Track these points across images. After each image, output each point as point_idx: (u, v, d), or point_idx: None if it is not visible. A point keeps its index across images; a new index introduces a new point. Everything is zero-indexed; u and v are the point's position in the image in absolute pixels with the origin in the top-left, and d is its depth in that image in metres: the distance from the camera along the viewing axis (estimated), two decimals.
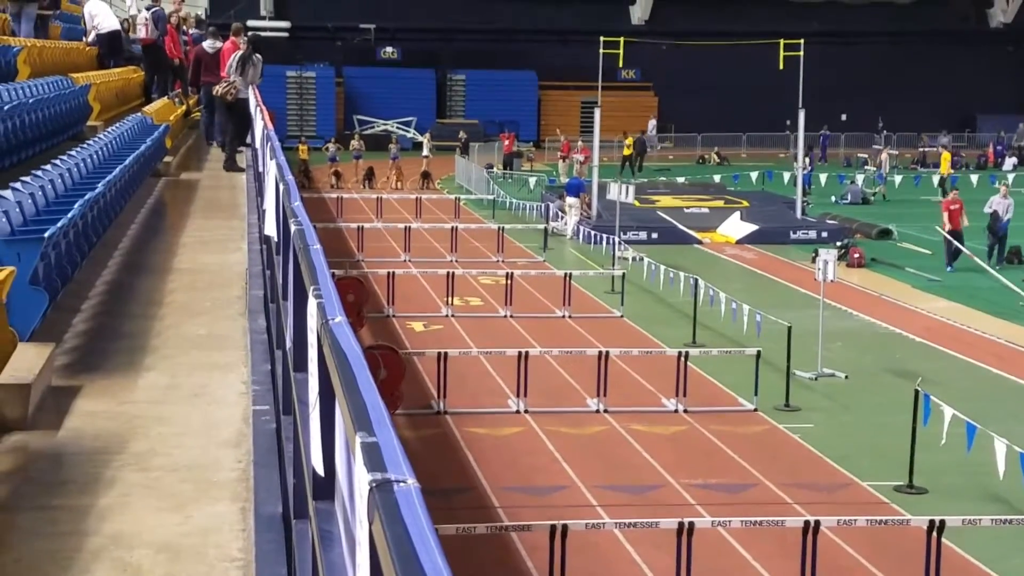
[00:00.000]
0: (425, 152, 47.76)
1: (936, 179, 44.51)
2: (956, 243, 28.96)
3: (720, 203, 37.15)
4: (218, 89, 18.97)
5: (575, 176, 37.79)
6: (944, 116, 65.22)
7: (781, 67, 37.35)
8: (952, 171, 45.15)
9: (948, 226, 29.25)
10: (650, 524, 11.41)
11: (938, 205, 42.52)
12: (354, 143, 48.13)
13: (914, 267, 29.31)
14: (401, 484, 2.01)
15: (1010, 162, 56.03)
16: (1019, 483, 12.53)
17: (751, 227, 34.16)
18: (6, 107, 12.42)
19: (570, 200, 34.60)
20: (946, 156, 46.35)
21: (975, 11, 71.73)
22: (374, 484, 2.01)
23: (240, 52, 18.96)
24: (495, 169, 47.55)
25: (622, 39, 37.85)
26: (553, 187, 41.41)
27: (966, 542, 12.15)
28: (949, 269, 28.86)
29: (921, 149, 59.04)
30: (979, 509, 12.99)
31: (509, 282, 23.54)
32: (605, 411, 16.79)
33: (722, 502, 13.43)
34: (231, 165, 18.50)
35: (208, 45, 20.96)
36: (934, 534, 10.77)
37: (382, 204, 36.31)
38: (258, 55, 19.01)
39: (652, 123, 63.79)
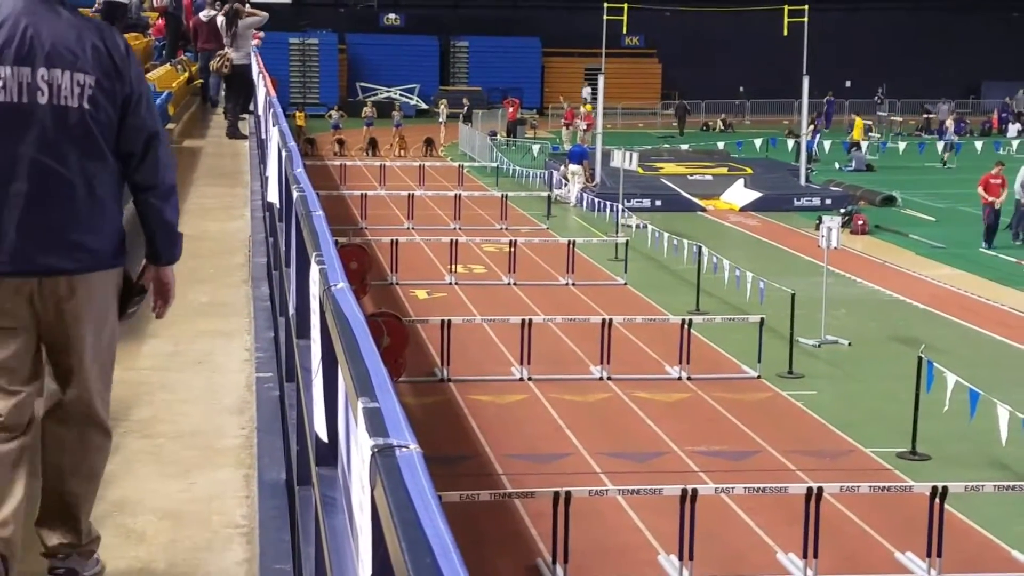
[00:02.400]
0: (442, 119, 48.53)
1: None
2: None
3: (724, 170, 37.05)
4: (214, 64, 19.03)
5: (578, 144, 37.69)
6: (949, 82, 64.94)
7: (785, 33, 37.19)
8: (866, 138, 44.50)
9: (987, 200, 27.90)
10: (653, 491, 11.44)
11: (943, 171, 42.61)
12: (366, 110, 48.12)
13: (918, 234, 29.26)
14: (403, 449, 2.00)
15: (1014, 128, 55.79)
16: (1022, 450, 12.55)
17: (755, 194, 34.08)
18: None
19: (573, 167, 34.53)
20: (859, 123, 45.72)
21: None
22: (376, 449, 2.01)
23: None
24: (499, 136, 47.49)
25: (626, 5, 37.65)
26: (557, 154, 41.32)
27: (969, 508, 12.17)
28: (985, 247, 27.52)
29: (925, 116, 58.83)
30: (982, 476, 13.00)
31: (512, 250, 23.53)
32: (608, 378, 16.80)
33: (725, 469, 13.46)
34: (234, 132, 18.47)
35: (204, 15, 20.94)
36: (937, 500, 10.79)
37: (385, 171, 36.26)
38: (220, 17, 18.94)
39: (587, 91, 62.27)
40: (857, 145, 43.31)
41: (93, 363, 4.04)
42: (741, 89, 63.74)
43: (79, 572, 4.05)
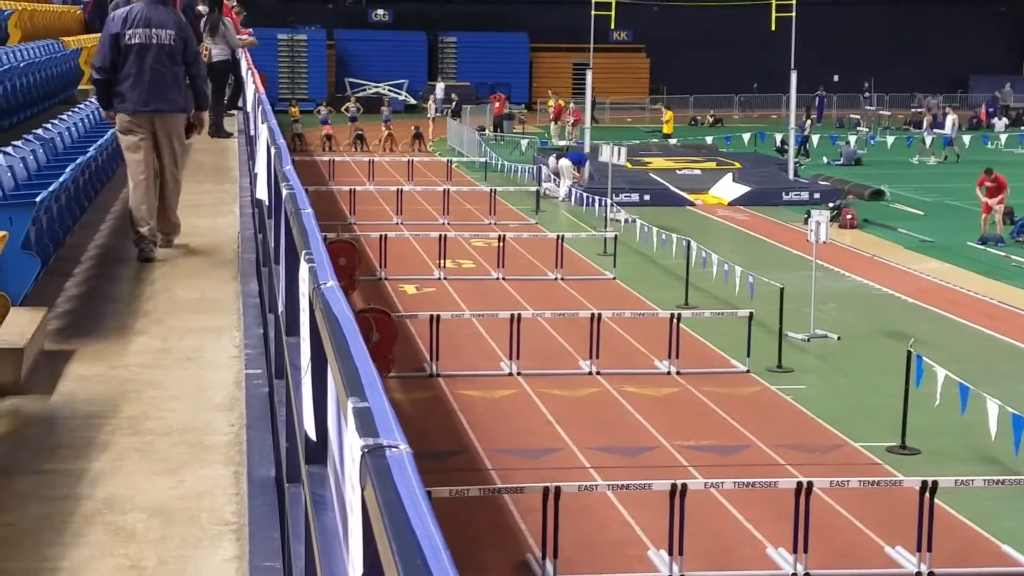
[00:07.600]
0: (431, 114, 48.70)
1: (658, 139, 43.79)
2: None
3: (712, 165, 37.06)
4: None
5: (576, 150, 37.48)
6: (937, 76, 65.07)
7: (773, 28, 37.20)
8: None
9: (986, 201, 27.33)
10: (643, 486, 11.44)
11: (929, 167, 42.66)
12: (349, 104, 48.08)
13: (906, 228, 29.31)
14: (393, 449, 2.00)
15: (1001, 123, 55.84)
16: (1011, 444, 12.58)
17: (743, 188, 34.10)
18: None
19: (564, 163, 34.48)
20: (669, 115, 45.55)
21: None
22: (366, 449, 2.01)
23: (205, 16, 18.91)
24: (487, 131, 47.48)
25: (614, 0, 37.63)
26: (545, 149, 41.28)
27: (959, 503, 12.20)
28: (979, 243, 27.06)
29: (914, 109, 58.89)
30: (972, 470, 13.03)
31: (501, 244, 23.51)
32: (598, 373, 16.80)
33: (714, 463, 13.47)
34: (216, 131, 18.14)
35: (202, 7, 20.85)
36: (927, 495, 10.81)
37: (374, 167, 36.22)
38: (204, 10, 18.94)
39: (440, 87, 60.84)
40: (668, 139, 43.09)
41: (180, 147, 9.84)
42: (737, 97, 63.63)
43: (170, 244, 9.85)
